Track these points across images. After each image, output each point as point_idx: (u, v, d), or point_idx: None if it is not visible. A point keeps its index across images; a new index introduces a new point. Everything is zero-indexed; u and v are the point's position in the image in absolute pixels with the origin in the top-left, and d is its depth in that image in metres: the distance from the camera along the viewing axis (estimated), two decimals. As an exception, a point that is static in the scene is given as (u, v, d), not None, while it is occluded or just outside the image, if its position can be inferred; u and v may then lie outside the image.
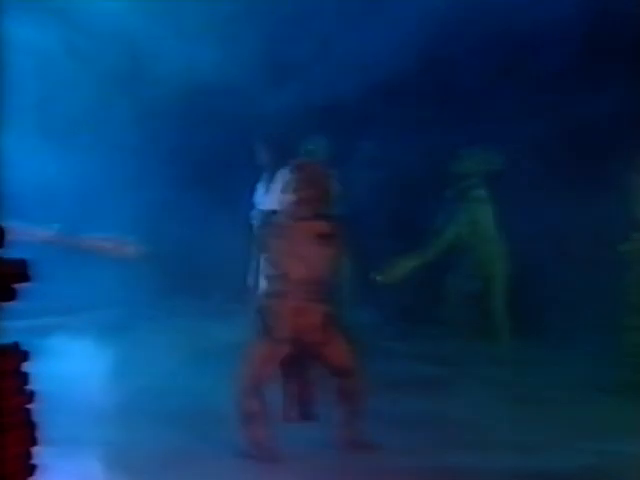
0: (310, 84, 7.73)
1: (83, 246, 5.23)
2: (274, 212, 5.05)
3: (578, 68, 7.62)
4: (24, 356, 2.56)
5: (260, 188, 6.84)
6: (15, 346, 2.56)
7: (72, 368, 5.67)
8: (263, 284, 5.08)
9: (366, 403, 4.93)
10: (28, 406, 2.56)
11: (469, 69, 8.00)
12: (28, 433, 2.55)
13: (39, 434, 2.58)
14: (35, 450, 2.57)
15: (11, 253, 2.53)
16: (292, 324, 4.69)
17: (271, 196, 6.77)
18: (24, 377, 2.56)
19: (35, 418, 2.59)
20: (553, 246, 6.61)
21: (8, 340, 2.55)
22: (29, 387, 2.57)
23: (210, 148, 8.33)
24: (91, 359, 5.79)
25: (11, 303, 2.50)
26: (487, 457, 4.99)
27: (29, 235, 5.09)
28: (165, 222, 7.59)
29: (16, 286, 2.50)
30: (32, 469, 2.56)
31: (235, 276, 6.51)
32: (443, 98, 8.33)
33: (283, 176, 6.76)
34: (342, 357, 4.85)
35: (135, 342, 6.82)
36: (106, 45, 7.73)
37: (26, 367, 2.56)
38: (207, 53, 7.46)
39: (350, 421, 4.91)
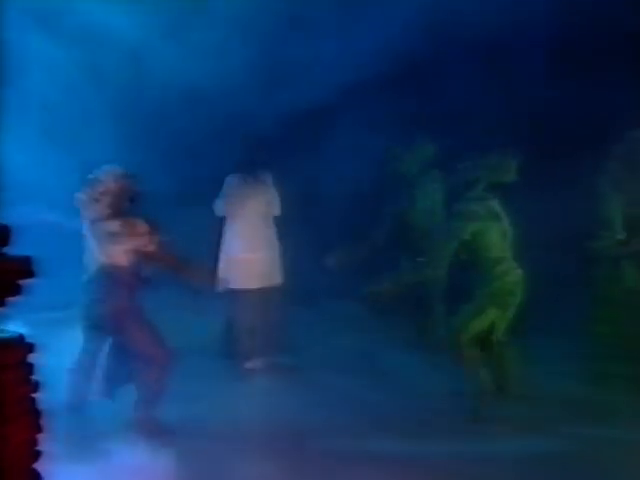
0: (297, 87, 7.73)
1: None
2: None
3: (553, 69, 7.61)
4: (29, 348, 2.58)
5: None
6: (20, 338, 2.58)
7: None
8: None
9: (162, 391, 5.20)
10: (33, 395, 2.58)
11: (450, 70, 7.97)
12: (33, 421, 2.58)
13: (44, 422, 2.60)
14: (40, 437, 2.59)
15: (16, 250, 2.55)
16: (94, 312, 5.24)
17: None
18: (29, 368, 2.58)
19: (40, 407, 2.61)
20: (527, 242, 6.58)
21: (13, 333, 2.58)
22: (34, 377, 2.59)
23: (204, 148, 8.34)
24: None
25: (16, 298, 2.53)
26: (471, 442, 5.06)
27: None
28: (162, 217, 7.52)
29: (21, 282, 2.53)
30: (37, 455, 2.59)
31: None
32: (426, 100, 8.29)
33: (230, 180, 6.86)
34: (140, 343, 5.17)
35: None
36: (103, 46, 7.70)
37: (31, 359, 2.58)
38: (202, 57, 7.47)
39: (145, 405, 5.17)
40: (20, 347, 2.55)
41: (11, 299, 2.54)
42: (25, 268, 2.54)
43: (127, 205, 5.32)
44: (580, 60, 7.39)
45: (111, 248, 5.20)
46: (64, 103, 7.29)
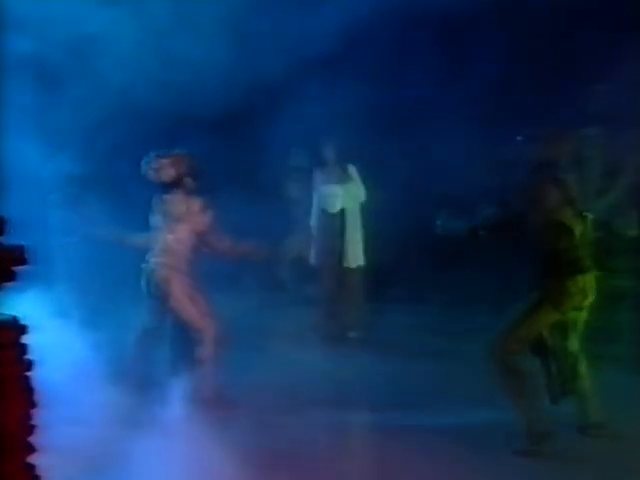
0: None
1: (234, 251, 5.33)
2: None
3: (506, 65, 7.45)
4: (23, 329, 2.57)
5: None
6: (14, 321, 2.57)
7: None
8: None
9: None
10: (27, 374, 2.58)
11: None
12: (27, 398, 2.58)
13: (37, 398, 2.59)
14: (34, 412, 2.58)
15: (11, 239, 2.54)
16: None
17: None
18: (23, 348, 2.57)
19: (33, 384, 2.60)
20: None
21: (7, 316, 2.57)
22: (27, 357, 2.58)
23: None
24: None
25: (11, 284, 2.53)
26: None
27: None
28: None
29: (15, 269, 2.53)
30: (32, 429, 2.59)
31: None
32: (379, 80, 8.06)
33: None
34: None
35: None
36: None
37: (25, 339, 2.57)
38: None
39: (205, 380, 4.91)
40: (14, 328, 2.55)
41: (6, 285, 2.54)
42: (19, 256, 2.55)
43: None
44: (532, 58, 7.28)
45: None
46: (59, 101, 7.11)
